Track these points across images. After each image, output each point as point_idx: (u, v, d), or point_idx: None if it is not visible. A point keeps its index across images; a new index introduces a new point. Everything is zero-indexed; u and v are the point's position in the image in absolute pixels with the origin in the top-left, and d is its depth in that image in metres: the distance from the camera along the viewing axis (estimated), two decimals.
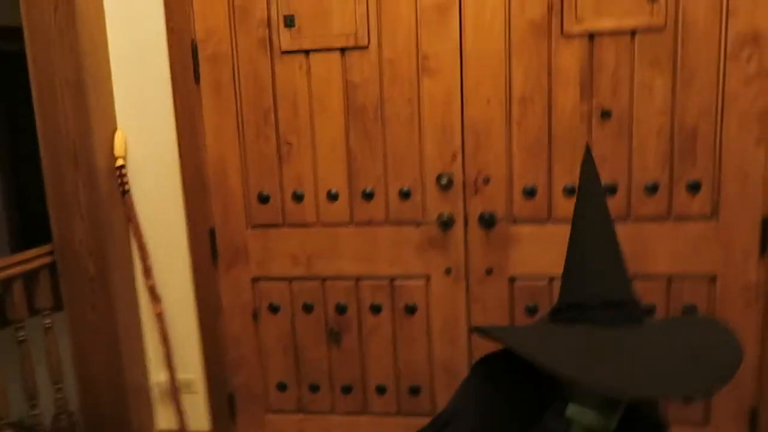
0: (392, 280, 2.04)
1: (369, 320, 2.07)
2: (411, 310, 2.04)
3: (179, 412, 2.14)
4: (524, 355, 1.08)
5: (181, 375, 2.17)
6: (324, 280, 2.08)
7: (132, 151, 2.10)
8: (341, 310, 2.08)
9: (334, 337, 2.11)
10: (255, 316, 2.13)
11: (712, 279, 1.88)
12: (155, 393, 2.24)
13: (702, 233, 1.87)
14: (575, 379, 1.03)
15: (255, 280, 2.11)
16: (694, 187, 1.85)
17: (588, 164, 1.29)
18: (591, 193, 1.29)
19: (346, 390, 2.14)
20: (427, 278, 2.02)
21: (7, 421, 1.93)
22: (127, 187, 2.08)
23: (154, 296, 2.11)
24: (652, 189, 1.87)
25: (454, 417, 1.30)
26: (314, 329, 2.11)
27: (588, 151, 1.32)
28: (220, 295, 2.13)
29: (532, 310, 1.97)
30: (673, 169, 1.86)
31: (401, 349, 2.08)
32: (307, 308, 2.10)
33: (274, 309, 2.12)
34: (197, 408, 2.21)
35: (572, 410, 1.09)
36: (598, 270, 1.20)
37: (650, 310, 1.89)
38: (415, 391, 2.10)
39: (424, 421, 2.09)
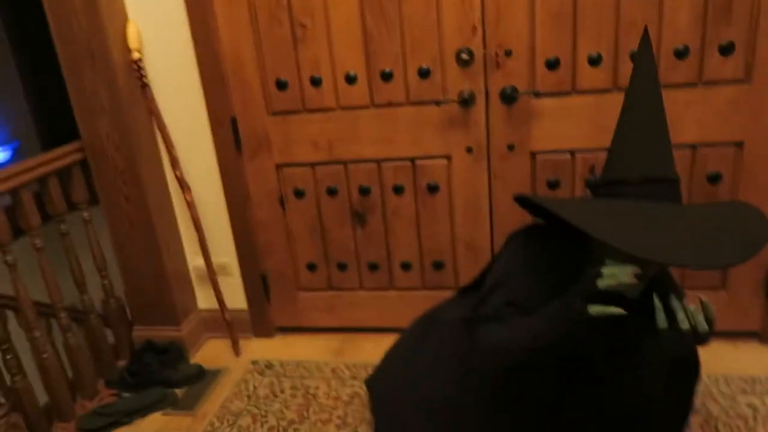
0: (413, 160, 2.05)
1: (392, 201, 2.11)
2: (433, 189, 2.07)
3: (217, 293, 2.27)
4: (570, 220, 1.17)
5: (216, 259, 2.27)
6: (346, 163, 2.09)
7: (147, 46, 2.07)
8: (364, 192, 2.12)
9: (359, 218, 2.16)
10: (281, 201, 2.19)
11: (739, 145, 1.85)
12: (193, 277, 2.37)
13: (732, 98, 1.81)
14: (615, 243, 1.11)
15: (279, 166, 2.14)
16: (727, 50, 1.76)
17: (645, 43, 1.30)
18: (645, 73, 1.29)
19: (373, 267, 2.23)
20: (449, 157, 2.02)
21: (61, 305, 2.09)
22: (145, 80, 2.06)
23: (183, 185, 2.16)
24: (683, 53, 1.78)
25: (501, 281, 1.38)
26: (339, 212, 2.17)
27: (646, 31, 1.31)
28: (247, 183, 2.18)
29: (553, 185, 1.97)
30: (706, 31, 1.76)
31: (424, 228, 2.14)
32: (331, 192, 2.14)
33: (299, 194, 2.16)
34: (233, 289, 2.34)
35: (608, 270, 1.15)
36: (643, 147, 1.24)
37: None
38: (438, 266, 2.18)
39: (448, 294, 2.21)
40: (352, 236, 2.19)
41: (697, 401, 1.73)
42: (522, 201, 1.44)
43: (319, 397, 2.01)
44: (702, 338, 1.19)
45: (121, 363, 2.32)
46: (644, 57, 1.29)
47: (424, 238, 2.15)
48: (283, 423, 1.90)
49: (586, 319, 1.15)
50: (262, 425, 1.90)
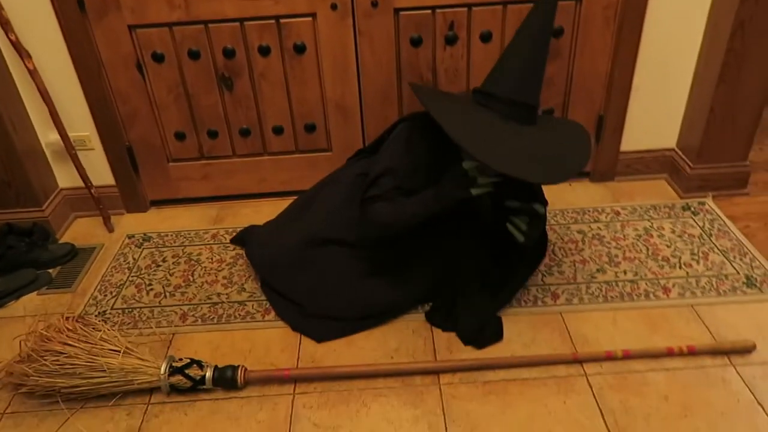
0: (278, 19, 1.95)
1: (259, 63, 2.02)
2: (300, 49, 2.01)
3: (79, 169, 2.09)
4: (442, 125, 1.44)
5: (73, 133, 2.08)
6: (207, 24, 1.94)
7: None
8: (229, 54, 2.00)
9: (226, 82, 2.06)
10: (139, 67, 2.01)
11: (579, 1, 1.98)
12: (48, 153, 2.16)
13: None
14: (471, 152, 1.39)
15: (132, 28, 1.94)
16: None
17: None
18: (543, 18, 1.50)
19: (245, 133, 2.18)
20: (314, 15, 1.95)
21: None
22: None
23: (22, 52, 1.89)
24: None
25: (393, 165, 1.59)
26: (204, 76, 2.04)
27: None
28: (97, 47, 1.96)
29: (416, 42, 2.00)
30: None
31: (294, 90, 2.09)
32: (194, 55, 1.99)
33: (158, 58, 1.99)
34: (97, 164, 2.18)
35: (466, 164, 1.48)
36: (518, 74, 1.50)
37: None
38: (310, 128, 2.18)
39: (322, 156, 2.25)
40: (221, 102, 2.09)
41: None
42: (415, 89, 1.65)
43: (202, 261, 2.02)
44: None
45: None
46: (548, 8, 1.50)
47: (295, 100, 2.11)
48: (169, 288, 1.90)
49: (453, 203, 1.50)
50: (147, 293, 1.89)
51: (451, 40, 2.00)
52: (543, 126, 1.57)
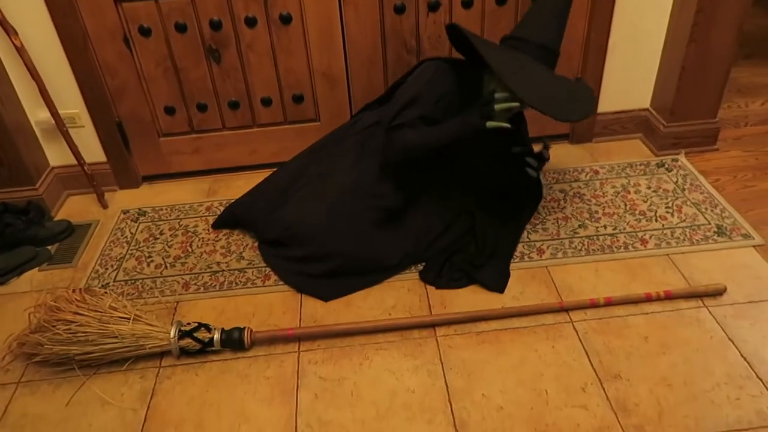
0: None
1: (246, 34, 2.04)
2: (286, 20, 2.02)
3: (72, 146, 2.10)
4: (483, 54, 1.62)
5: (62, 110, 2.07)
6: None
7: None
8: (216, 26, 2.01)
9: (214, 54, 2.07)
10: (126, 41, 2.00)
11: None
12: (38, 132, 2.15)
13: None
14: (511, 86, 1.58)
15: (118, 1, 1.93)
16: None
17: None
18: None
19: (234, 105, 2.20)
20: None
21: None
22: None
23: (8, 28, 1.87)
24: None
25: (418, 96, 1.71)
26: (192, 49, 2.05)
27: None
28: (83, 21, 1.95)
29: (400, 9, 2.02)
30: None
31: (281, 61, 2.11)
32: (180, 28, 2.00)
33: (145, 32, 1.99)
34: (88, 141, 2.18)
35: (499, 95, 1.64)
36: (546, 23, 1.70)
37: None
38: (299, 99, 2.21)
39: (311, 126, 2.28)
40: (209, 74, 2.11)
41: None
42: (452, 31, 1.79)
43: (199, 233, 2.06)
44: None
45: None
46: None
47: (282, 71, 2.14)
48: (169, 260, 1.94)
49: (477, 130, 1.65)
50: (148, 264, 1.93)
51: (433, 7, 2.04)
52: (558, 75, 1.74)
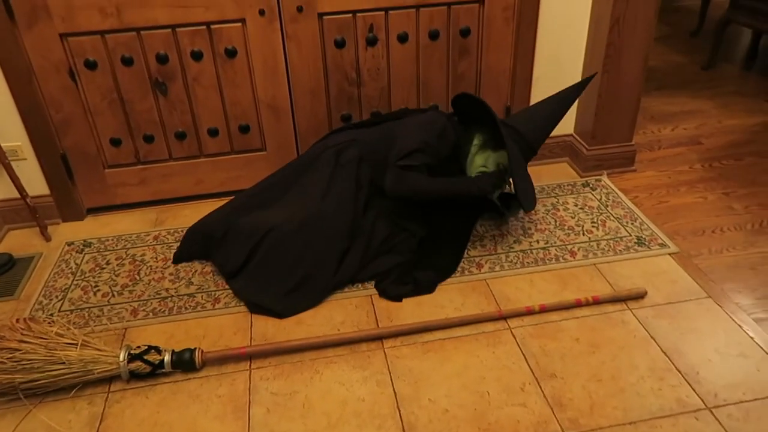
0: (209, 25, 2.04)
1: (192, 67, 2.10)
2: (231, 53, 2.10)
3: (14, 179, 2.07)
4: (509, 151, 1.88)
5: (5, 143, 2.05)
6: (139, 31, 2.00)
7: None
8: (162, 60, 2.06)
9: (160, 87, 2.12)
10: (72, 74, 2.03)
11: (482, 3, 2.20)
12: None
13: None
14: (520, 186, 1.90)
15: (63, 36, 1.96)
16: None
17: (582, 87, 2.08)
18: (568, 96, 2.04)
19: (180, 136, 2.24)
20: (243, 21, 2.05)
21: None
22: None
23: None
24: None
25: (429, 146, 1.90)
26: (138, 82, 2.09)
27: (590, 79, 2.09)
28: (27, 55, 1.96)
29: (340, 44, 2.14)
30: None
31: (227, 93, 2.18)
32: (127, 61, 2.04)
33: (91, 65, 2.02)
34: (30, 174, 2.16)
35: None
36: (541, 125, 2.02)
37: (437, 34, 2.21)
38: (244, 129, 2.27)
39: (257, 155, 2.34)
40: (155, 106, 2.15)
41: None
42: (463, 100, 2.03)
43: (147, 261, 2.06)
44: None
45: None
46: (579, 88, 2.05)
47: (228, 103, 2.20)
48: (117, 288, 1.93)
49: (484, 195, 1.96)
50: (95, 294, 1.91)
51: (371, 42, 2.17)
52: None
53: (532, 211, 2.20)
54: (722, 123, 2.90)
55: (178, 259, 2.04)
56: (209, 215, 2.05)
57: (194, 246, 2.03)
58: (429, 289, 1.86)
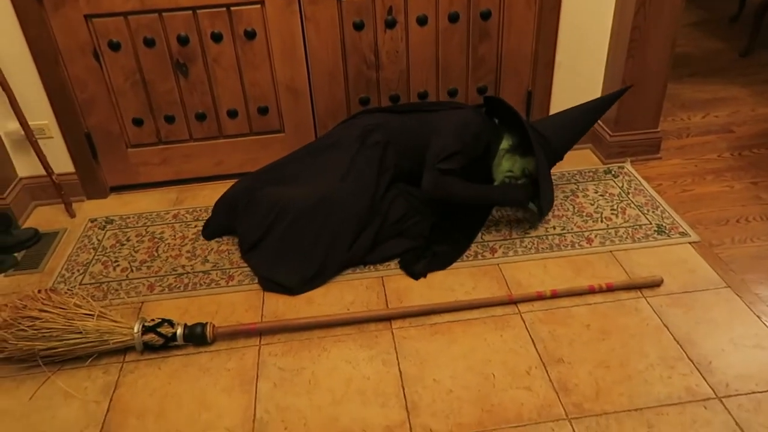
0: (229, 7, 2.08)
1: (212, 49, 2.15)
2: (251, 35, 2.14)
3: (41, 157, 2.16)
4: (538, 160, 1.96)
5: (32, 122, 2.14)
6: (161, 12, 2.05)
7: None
8: (183, 41, 2.11)
9: (181, 68, 2.17)
10: (96, 55, 2.10)
11: None
12: (8, 143, 2.22)
13: None
14: (545, 195, 2.01)
15: (88, 17, 2.03)
16: None
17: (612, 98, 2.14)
18: (599, 107, 2.12)
19: (201, 117, 2.29)
20: (262, 3, 2.08)
21: None
22: None
23: None
24: None
25: (461, 151, 1.94)
26: (160, 63, 2.15)
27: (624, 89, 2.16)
28: (54, 36, 2.04)
29: (359, 26, 2.16)
30: None
31: (246, 74, 2.22)
32: (149, 43, 2.10)
33: (114, 46, 2.09)
34: (56, 152, 2.25)
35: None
36: (564, 132, 2.07)
37: (456, 17, 2.20)
38: (263, 111, 2.31)
39: (275, 137, 2.37)
40: (176, 87, 2.21)
41: None
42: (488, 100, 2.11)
43: (165, 239, 2.12)
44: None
45: None
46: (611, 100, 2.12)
47: (247, 84, 2.24)
48: (135, 263, 2.00)
49: (510, 203, 2.14)
50: (114, 269, 1.98)
51: (390, 24, 2.18)
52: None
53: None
54: (756, 111, 2.82)
55: (207, 231, 2.11)
56: (235, 185, 2.11)
57: (221, 217, 2.10)
58: (444, 262, 1.90)
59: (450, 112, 2.05)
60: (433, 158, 1.93)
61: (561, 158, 2.10)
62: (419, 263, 1.89)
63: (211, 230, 2.11)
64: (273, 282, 1.85)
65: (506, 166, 2.05)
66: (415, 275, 1.87)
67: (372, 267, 1.92)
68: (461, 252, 1.95)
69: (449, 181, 1.94)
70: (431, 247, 1.95)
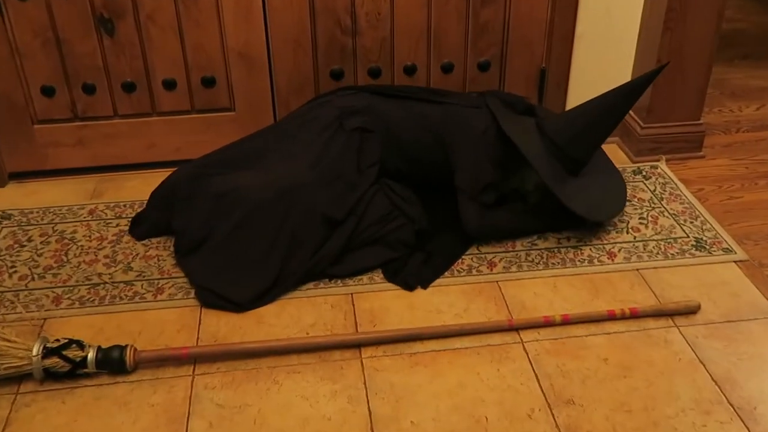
0: None
1: (146, 2, 2.16)
2: None
3: None
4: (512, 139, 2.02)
5: None
6: None
7: None
8: None
9: (106, 25, 2.18)
10: None
11: None
12: None
13: None
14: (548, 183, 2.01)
15: None
16: None
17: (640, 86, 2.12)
18: (622, 101, 2.10)
19: (129, 88, 2.30)
20: None
21: None
22: None
23: None
24: None
25: (494, 183, 2.07)
26: (79, 17, 2.16)
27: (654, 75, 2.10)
28: None
29: None
30: None
31: (189, 36, 2.24)
32: None
33: None
34: None
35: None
36: (580, 132, 2.07)
37: None
38: (209, 82, 2.33)
39: (223, 116, 2.39)
40: (99, 49, 2.21)
41: None
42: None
43: (78, 240, 2.12)
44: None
45: None
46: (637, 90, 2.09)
47: (189, 48, 2.26)
48: (38, 270, 1.99)
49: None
50: (11, 276, 1.97)
51: None
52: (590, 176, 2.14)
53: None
54: None
55: (137, 230, 2.12)
56: (177, 170, 2.12)
57: (157, 212, 2.10)
58: (445, 263, 1.97)
59: (459, 110, 2.10)
60: (467, 188, 2.03)
61: (585, 163, 2.10)
62: (410, 268, 1.92)
63: (144, 229, 2.12)
64: (214, 294, 1.85)
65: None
66: (410, 286, 1.90)
67: (340, 281, 1.94)
68: (457, 256, 2.00)
69: (496, 215, 2.08)
70: (416, 254, 1.98)
